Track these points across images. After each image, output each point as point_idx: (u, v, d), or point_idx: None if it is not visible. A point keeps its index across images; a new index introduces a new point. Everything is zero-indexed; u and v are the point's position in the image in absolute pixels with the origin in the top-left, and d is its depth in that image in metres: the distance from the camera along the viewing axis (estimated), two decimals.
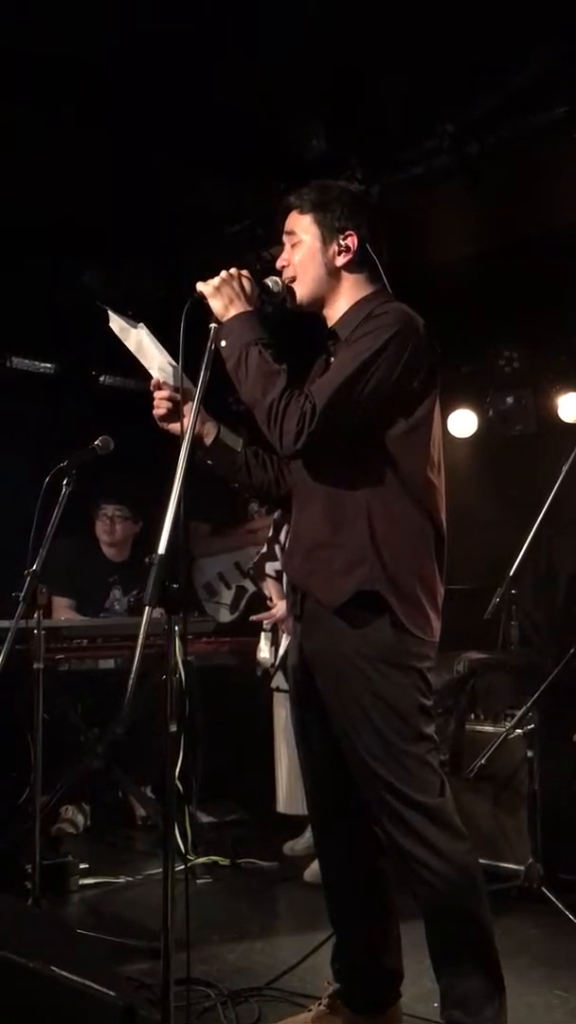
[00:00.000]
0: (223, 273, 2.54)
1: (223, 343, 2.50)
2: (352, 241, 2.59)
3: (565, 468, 3.88)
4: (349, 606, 2.47)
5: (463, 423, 5.76)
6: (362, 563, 2.46)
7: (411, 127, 4.02)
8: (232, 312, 2.50)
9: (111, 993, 2.13)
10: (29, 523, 3.37)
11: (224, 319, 2.51)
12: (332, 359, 2.63)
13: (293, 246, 2.63)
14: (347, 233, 2.59)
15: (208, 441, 2.69)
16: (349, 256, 2.60)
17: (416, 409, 2.51)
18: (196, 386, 2.42)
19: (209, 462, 2.73)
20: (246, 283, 2.54)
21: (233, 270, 2.54)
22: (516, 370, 5.51)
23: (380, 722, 2.46)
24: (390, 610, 2.46)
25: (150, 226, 4.79)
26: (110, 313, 2.69)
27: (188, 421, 2.38)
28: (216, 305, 2.51)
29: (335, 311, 2.63)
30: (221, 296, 2.51)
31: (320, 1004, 2.78)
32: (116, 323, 2.69)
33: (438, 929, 2.52)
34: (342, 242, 2.59)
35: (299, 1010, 2.87)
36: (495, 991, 2.48)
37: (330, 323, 2.65)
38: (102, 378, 6.07)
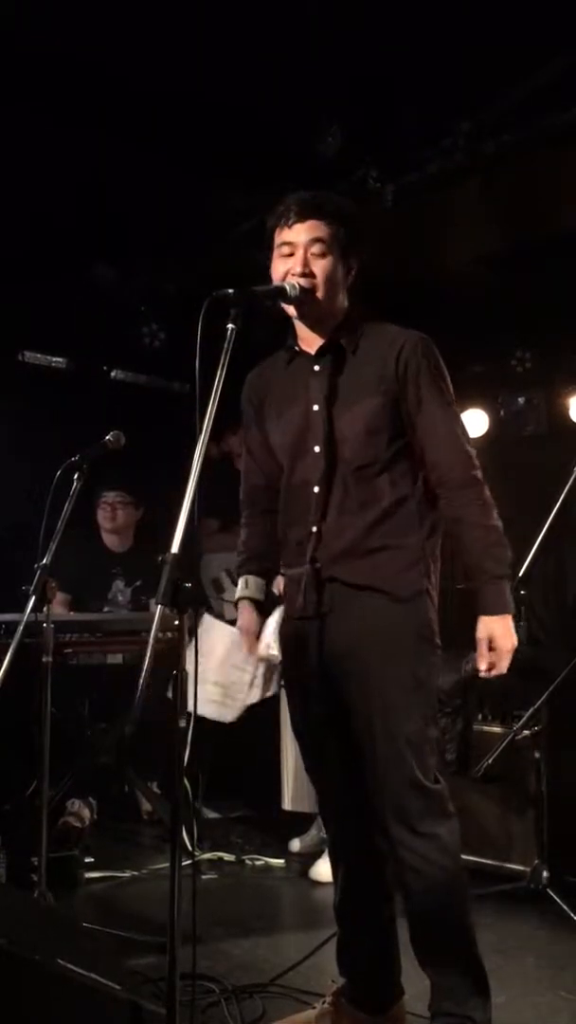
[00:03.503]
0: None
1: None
2: (357, 263, 2.66)
3: None
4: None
5: (474, 423, 5.73)
6: (420, 561, 2.61)
7: (426, 126, 4.01)
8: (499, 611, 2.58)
9: (116, 987, 2.15)
10: (40, 516, 3.38)
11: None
12: (336, 365, 2.65)
13: (317, 254, 2.57)
14: (358, 254, 2.65)
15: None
16: (352, 276, 2.66)
17: None
18: (211, 387, 2.40)
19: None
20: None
21: None
22: (528, 371, 5.51)
23: (414, 701, 2.55)
24: (428, 594, 2.61)
25: (163, 223, 4.79)
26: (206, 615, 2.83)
27: (204, 424, 2.37)
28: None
29: (330, 324, 2.65)
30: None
31: (324, 1001, 2.78)
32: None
33: (424, 919, 2.57)
34: (352, 261, 2.64)
35: (303, 1007, 2.87)
36: (480, 978, 2.56)
37: (321, 330, 2.65)
38: (113, 373, 6.09)
